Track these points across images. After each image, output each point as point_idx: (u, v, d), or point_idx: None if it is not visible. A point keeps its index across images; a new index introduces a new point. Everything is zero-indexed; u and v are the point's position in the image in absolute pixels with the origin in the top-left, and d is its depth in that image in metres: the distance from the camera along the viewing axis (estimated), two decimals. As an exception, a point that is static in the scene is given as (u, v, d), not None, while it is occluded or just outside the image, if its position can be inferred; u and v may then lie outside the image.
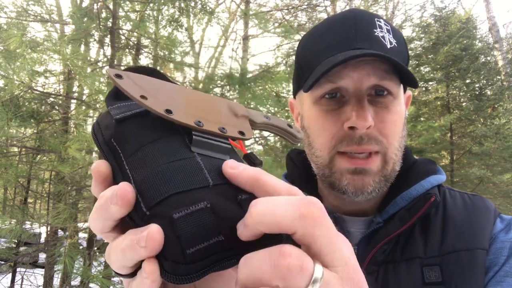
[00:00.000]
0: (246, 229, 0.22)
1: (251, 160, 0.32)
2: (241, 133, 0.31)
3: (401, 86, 0.58)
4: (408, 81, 0.56)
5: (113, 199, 0.23)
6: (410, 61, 6.63)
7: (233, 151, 0.30)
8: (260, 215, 0.21)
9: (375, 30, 0.55)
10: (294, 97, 0.68)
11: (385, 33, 0.56)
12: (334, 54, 0.54)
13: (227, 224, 0.23)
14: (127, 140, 0.27)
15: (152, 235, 0.21)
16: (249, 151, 0.34)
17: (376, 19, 0.57)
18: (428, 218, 0.58)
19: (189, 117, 0.28)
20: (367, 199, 0.58)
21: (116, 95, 0.33)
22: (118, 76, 0.28)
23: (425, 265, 0.53)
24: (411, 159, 0.65)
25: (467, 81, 6.14)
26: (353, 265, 0.22)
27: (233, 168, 0.25)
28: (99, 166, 0.26)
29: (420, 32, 6.72)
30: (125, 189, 0.23)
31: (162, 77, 0.33)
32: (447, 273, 0.52)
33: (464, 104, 6.44)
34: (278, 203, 0.22)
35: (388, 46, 0.55)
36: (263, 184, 0.24)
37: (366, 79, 0.54)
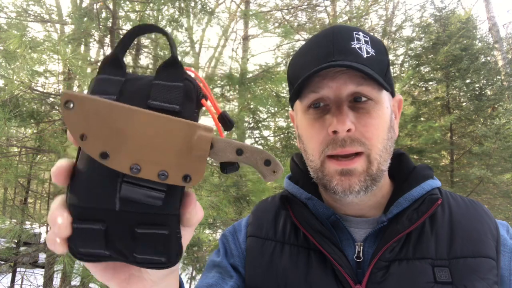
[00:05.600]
0: None
1: (224, 119, 0.33)
2: (186, 178, 0.30)
3: (383, 91, 0.62)
4: (383, 86, 0.59)
5: (52, 172, 0.31)
6: (411, 61, 6.63)
7: (169, 194, 0.31)
8: None
9: (352, 43, 0.61)
10: (293, 109, 0.74)
11: (363, 44, 0.61)
12: (313, 68, 0.59)
13: (114, 249, 0.30)
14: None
15: (60, 229, 0.30)
16: (222, 110, 0.34)
17: (354, 32, 0.62)
18: (435, 218, 0.63)
19: (127, 159, 0.29)
20: (361, 199, 0.63)
21: (114, 59, 0.33)
22: (68, 104, 0.28)
23: (436, 265, 0.58)
24: (411, 164, 0.70)
25: (467, 81, 6.14)
26: None
27: None
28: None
29: (420, 32, 6.72)
30: (61, 173, 0.31)
31: (160, 31, 0.34)
32: (456, 275, 0.57)
33: (464, 104, 6.44)
34: None
35: (365, 55, 0.60)
36: None
37: (344, 87, 0.59)
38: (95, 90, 0.31)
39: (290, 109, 0.75)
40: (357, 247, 0.63)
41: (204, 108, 0.35)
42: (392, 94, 0.66)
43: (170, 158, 0.30)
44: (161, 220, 0.30)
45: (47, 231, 3.55)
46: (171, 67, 0.33)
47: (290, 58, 0.72)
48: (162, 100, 0.31)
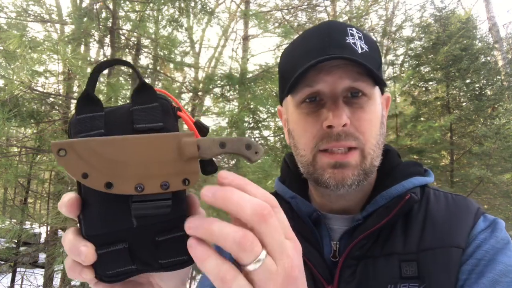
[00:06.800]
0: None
1: (200, 126, 0.37)
2: (185, 181, 0.33)
3: (376, 87, 0.62)
4: (378, 81, 0.60)
5: (63, 204, 0.32)
6: (411, 61, 6.63)
7: (175, 200, 0.33)
8: (227, 202, 0.29)
9: (347, 38, 0.60)
10: (281, 105, 0.72)
11: (357, 40, 0.61)
12: (309, 61, 0.58)
13: (141, 261, 0.34)
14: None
15: (86, 257, 0.31)
16: (196, 119, 0.37)
17: (348, 28, 0.62)
18: (410, 215, 0.62)
19: (130, 181, 0.32)
20: (349, 193, 0.62)
21: (88, 97, 0.34)
22: (61, 152, 0.30)
23: (403, 260, 0.57)
24: (396, 161, 0.69)
25: (467, 81, 6.14)
26: (294, 264, 0.30)
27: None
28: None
29: (420, 32, 6.72)
30: (73, 204, 0.32)
31: (131, 66, 0.36)
32: (423, 269, 0.55)
33: (464, 104, 6.44)
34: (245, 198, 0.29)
35: (359, 51, 0.59)
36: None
37: (339, 81, 0.59)
38: (80, 130, 0.33)
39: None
40: (333, 245, 0.62)
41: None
42: (382, 91, 0.66)
43: (167, 169, 0.32)
44: (174, 224, 0.34)
45: (47, 231, 3.55)
46: (143, 91, 0.35)
47: (281, 52, 0.70)
48: (146, 122, 0.34)
